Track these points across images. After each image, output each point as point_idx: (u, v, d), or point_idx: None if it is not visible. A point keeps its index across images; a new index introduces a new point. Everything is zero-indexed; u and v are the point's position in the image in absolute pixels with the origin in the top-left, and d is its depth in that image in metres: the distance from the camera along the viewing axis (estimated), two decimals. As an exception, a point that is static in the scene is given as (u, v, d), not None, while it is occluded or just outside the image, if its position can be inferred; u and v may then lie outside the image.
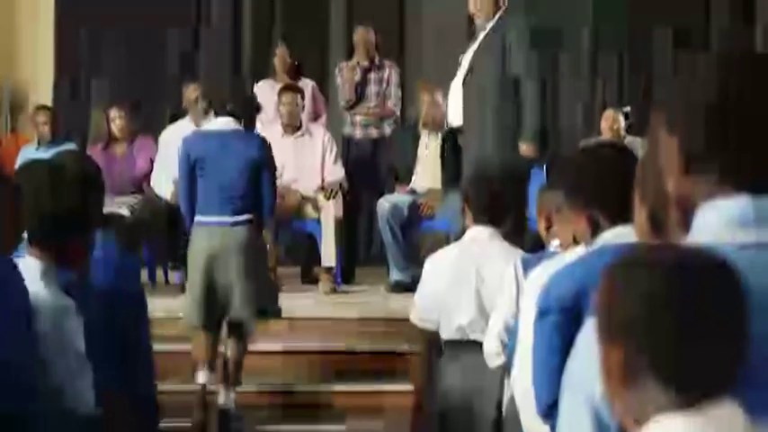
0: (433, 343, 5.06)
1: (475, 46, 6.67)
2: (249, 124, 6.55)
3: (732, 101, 1.61)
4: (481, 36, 6.67)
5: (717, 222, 1.59)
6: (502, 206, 4.96)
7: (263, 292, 6.40)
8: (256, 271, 6.35)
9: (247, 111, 6.53)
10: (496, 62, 6.53)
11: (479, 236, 4.91)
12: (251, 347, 6.57)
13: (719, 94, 1.61)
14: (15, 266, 2.69)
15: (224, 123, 6.48)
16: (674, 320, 1.44)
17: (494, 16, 6.66)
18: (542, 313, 2.83)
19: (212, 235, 6.31)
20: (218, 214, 6.33)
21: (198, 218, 6.42)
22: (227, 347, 6.46)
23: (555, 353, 2.72)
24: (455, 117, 6.70)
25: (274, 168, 6.61)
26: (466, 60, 6.67)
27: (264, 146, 6.51)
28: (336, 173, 8.32)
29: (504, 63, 6.52)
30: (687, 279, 1.45)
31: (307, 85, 8.84)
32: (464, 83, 6.60)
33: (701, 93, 1.62)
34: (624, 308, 1.46)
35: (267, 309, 6.47)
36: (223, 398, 6.36)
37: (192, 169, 6.44)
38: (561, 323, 2.73)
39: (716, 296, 1.45)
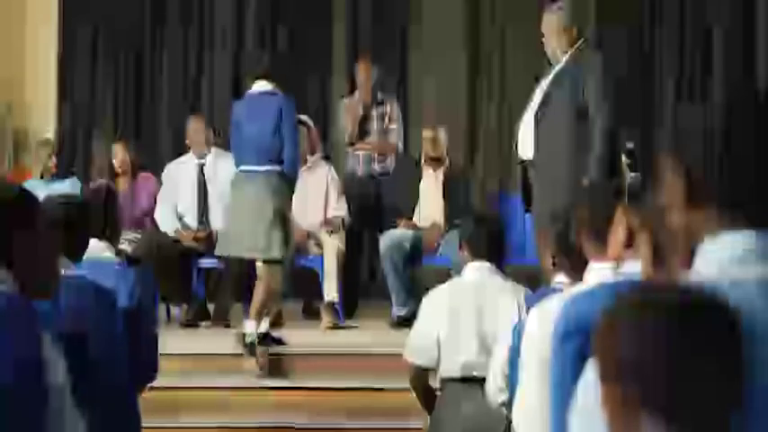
0: (426, 379, 5.06)
1: (548, 80, 6.62)
2: (281, 86, 7.29)
3: (736, 134, 1.61)
4: (554, 71, 6.63)
5: (720, 257, 1.59)
6: (500, 242, 4.96)
7: (279, 236, 7.06)
8: (278, 215, 7.06)
9: (277, 73, 7.33)
10: (571, 98, 6.48)
11: (478, 272, 4.91)
12: (249, 384, 6.58)
13: (724, 128, 1.62)
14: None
15: (259, 86, 7.31)
16: (671, 361, 1.44)
17: (566, 53, 6.62)
18: (563, 338, 2.78)
19: (244, 181, 7.16)
20: (249, 164, 7.16)
21: (237, 168, 7.30)
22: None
23: (568, 384, 2.68)
24: (526, 150, 6.62)
25: (294, 125, 7.26)
26: (538, 95, 6.62)
27: (287, 104, 7.23)
28: (339, 209, 8.33)
29: (578, 97, 6.48)
30: (684, 320, 1.45)
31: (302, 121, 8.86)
32: (536, 117, 6.54)
33: (706, 126, 1.63)
34: (622, 349, 1.46)
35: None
36: (250, 327, 7.06)
37: (235, 127, 7.33)
38: (583, 348, 2.69)
39: (713, 336, 1.45)
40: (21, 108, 10.18)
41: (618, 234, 2.84)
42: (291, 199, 7.31)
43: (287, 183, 7.21)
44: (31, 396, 2.40)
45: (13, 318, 2.44)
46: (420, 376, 5.11)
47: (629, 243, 2.81)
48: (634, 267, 2.73)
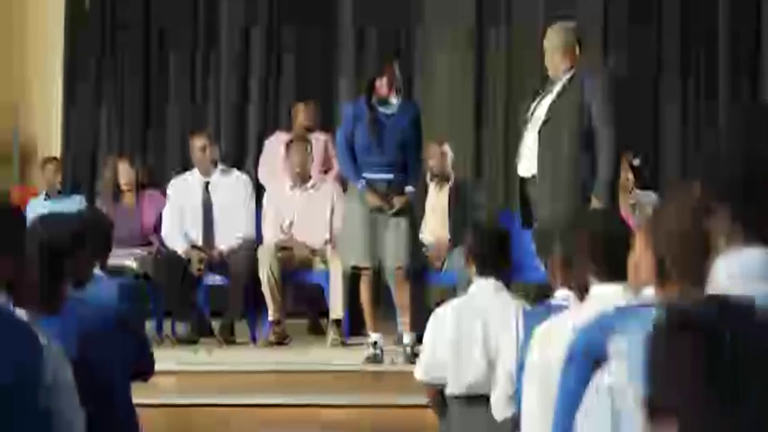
0: (440, 396, 5.03)
1: (551, 97, 6.60)
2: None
3: (751, 149, 1.61)
4: (557, 88, 6.61)
5: (733, 273, 1.58)
6: (506, 258, 4.94)
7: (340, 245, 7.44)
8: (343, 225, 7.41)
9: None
10: (573, 115, 6.47)
11: (484, 289, 4.89)
12: (254, 401, 6.58)
13: (739, 144, 1.61)
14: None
15: None
16: (723, 386, 1.41)
17: (568, 71, 6.60)
18: (571, 360, 2.78)
19: None
20: None
21: None
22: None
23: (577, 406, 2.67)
24: (527, 167, 6.59)
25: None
26: (541, 111, 6.60)
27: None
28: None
29: (581, 117, 6.46)
30: (734, 340, 1.42)
31: (319, 138, 8.85)
32: (539, 133, 6.53)
33: (722, 142, 1.63)
34: (675, 375, 1.42)
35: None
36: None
37: None
38: (584, 372, 2.68)
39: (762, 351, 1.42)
40: (26, 125, 10.19)
41: (640, 258, 2.83)
42: (349, 209, 7.30)
43: (352, 193, 7.29)
44: (20, 395, 2.43)
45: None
46: (436, 394, 5.07)
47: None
48: (649, 291, 2.72)
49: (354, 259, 7.21)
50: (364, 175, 7.21)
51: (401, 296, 7.21)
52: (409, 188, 7.25)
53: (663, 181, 9.34)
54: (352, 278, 8.05)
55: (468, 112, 10.03)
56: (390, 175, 7.18)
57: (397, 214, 7.13)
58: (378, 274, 7.24)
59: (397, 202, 7.16)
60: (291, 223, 8.33)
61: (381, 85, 7.25)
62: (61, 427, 2.54)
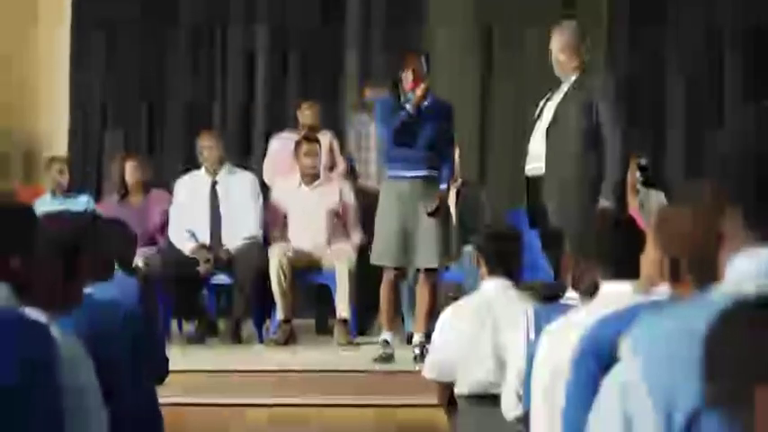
0: (449, 395, 5.03)
1: (559, 98, 6.61)
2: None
3: (763, 149, 1.61)
4: (565, 88, 6.62)
5: (747, 270, 1.58)
6: (516, 258, 4.95)
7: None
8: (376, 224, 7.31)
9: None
10: (581, 115, 6.47)
11: (494, 288, 4.90)
12: (261, 401, 6.60)
13: (751, 144, 1.61)
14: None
15: None
16: None
17: (575, 71, 6.61)
18: (580, 360, 2.78)
19: None
20: None
21: None
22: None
23: (586, 405, 2.66)
24: (535, 167, 6.60)
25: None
26: (548, 111, 6.61)
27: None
28: (356, 236, 8.34)
29: (589, 116, 6.46)
30: None
31: (325, 135, 8.86)
32: (547, 133, 6.54)
33: (736, 141, 1.63)
34: (748, 367, 1.41)
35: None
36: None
37: None
38: (593, 371, 2.68)
39: None
40: (33, 124, 10.20)
41: (650, 257, 2.82)
42: (381, 203, 7.26)
43: (385, 191, 7.26)
44: (32, 395, 2.43)
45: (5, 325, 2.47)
46: (445, 393, 5.09)
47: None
48: (661, 289, 2.72)
49: (386, 260, 7.19)
50: (394, 173, 7.18)
51: (424, 296, 7.20)
52: (442, 186, 7.21)
53: (670, 180, 9.35)
54: (360, 277, 8.07)
55: (475, 113, 10.04)
56: (422, 172, 7.12)
57: (431, 214, 7.10)
58: (402, 275, 7.28)
59: (432, 203, 7.11)
60: (299, 222, 8.33)
61: (406, 78, 7.17)
62: (82, 427, 2.54)
